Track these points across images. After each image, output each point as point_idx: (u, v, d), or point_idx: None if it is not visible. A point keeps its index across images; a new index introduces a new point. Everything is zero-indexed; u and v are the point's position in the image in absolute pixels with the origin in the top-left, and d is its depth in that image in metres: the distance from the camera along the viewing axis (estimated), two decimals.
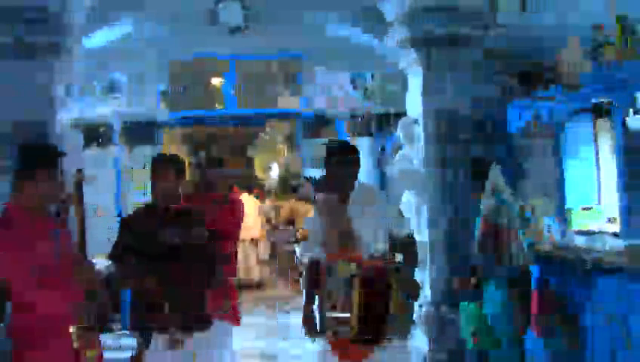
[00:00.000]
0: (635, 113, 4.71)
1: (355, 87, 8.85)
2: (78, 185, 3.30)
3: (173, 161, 4.22)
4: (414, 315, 4.86)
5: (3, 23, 6.05)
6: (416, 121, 6.70)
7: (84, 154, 7.97)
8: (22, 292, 3.03)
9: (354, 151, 4.17)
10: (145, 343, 3.88)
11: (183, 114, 9.36)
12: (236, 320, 4.96)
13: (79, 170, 3.36)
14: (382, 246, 3.90)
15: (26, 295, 3.04)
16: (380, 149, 8.69)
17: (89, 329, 3.12)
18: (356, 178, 4.14)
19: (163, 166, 4.15)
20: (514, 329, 4.66)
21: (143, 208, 4.39)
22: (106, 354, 3.45)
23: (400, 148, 7.00)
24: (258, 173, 16.64)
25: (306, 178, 7.28)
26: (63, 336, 3.05)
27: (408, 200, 6.77)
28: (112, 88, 8.53)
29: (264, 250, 11.96)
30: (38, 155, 3.24)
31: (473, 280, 4.81)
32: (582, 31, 5.42)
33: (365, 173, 8.72)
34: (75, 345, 3.06)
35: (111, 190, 8.00)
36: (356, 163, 4.12)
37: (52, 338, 3.06)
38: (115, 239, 4.10)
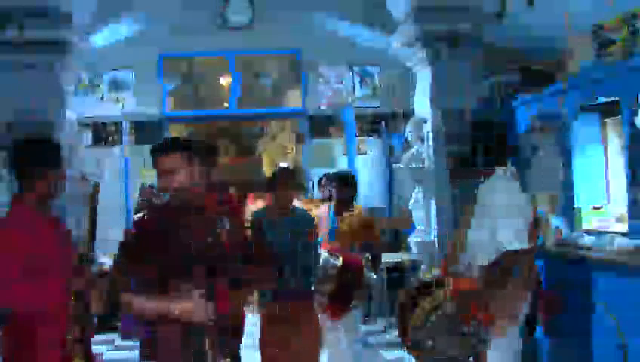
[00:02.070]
0: None
1: (362, 86, 8.82)
2: (94, 195, 3.36)
3: (177, 145, 3.14)
4: None
5: (10, 22, 6.08)
6: (425, 120, 6.69)
7: (90, 153, 8.00)
8: (19, 293, 3.03)
9: None
10: None
11: (190, 113, 9.36)
12: None
13: (97, 184, 3.46)
14: None
15: (22, 295, 3.03)
16: (388, 148, 8.66)
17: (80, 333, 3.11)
18: None
19: (163, 153, 3.10)
20: (521, 328, 4.62)
21: (153, 210, 3.63)
22: (110, 354, 3.45)
23: (409, 146, 6.99)
24: (266, 172, 16.60)
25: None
26: (55, 338, 3.05)
27: (417, 198, 6.76)
28: (118, 87, 8.54)
29: None
30: (39, 154, 3.23)
31: None
32: (588, 28, 5.39)
33: (375, 172, 8.71)
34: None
35: (119, 189, 7.99)
36: None
37: (43, 340, 3.06)
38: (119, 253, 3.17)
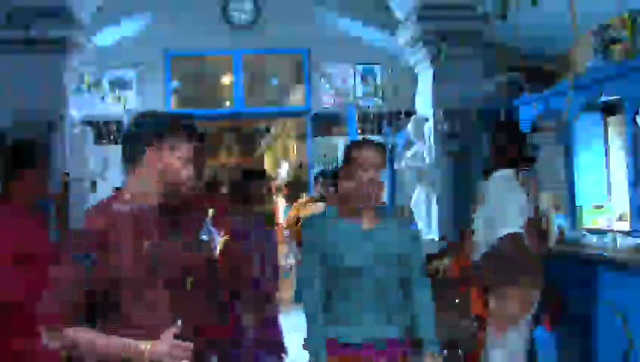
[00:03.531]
0: None
1: (365, 85, 8.82)
2: (65, 186, 3.36)
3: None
4: None
5: (14, 20, 6.09)
6: (426, 119, 6.69)
7: (93, 152, 7.99)
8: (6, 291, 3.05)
9: None
10: None
11: (194, 112, 9.36)
12: None
13: (66, 173, 3.41)
14: None
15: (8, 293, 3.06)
16: (390, 147, 8.66)
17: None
18: None
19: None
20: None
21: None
22: None
23: (411, 145, 6.99)
24: (268, 171, 16.60)
25: (322, 174, 6.63)
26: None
27: (419, 197, 6.76)
28: (122, 85, 8.55)
29: None
30: (23, 154, 3.26)
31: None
32: (593, 28, 5.38)
33: None
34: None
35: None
36: None
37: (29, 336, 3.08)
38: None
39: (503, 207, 3.72)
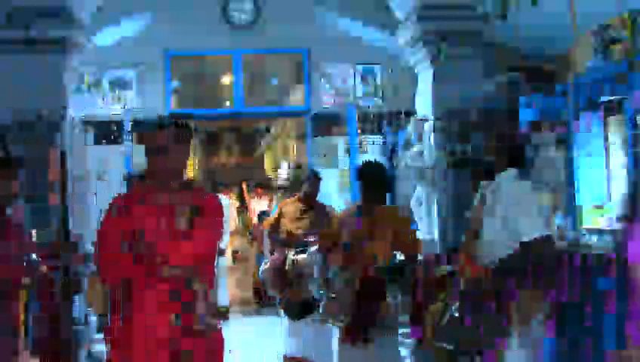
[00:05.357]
0: None
1: (365, 85, 8.82)
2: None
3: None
4: None
5: (14, 20, 6.09)
6: (426, 119, 6.70)
7: (93, 152, 7.99)
8: None
9: None
10: None
11: (194, 111, 9.36)
12: None
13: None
14: None
15: None
16: (390, 147, 8.66)
17: None
18: None
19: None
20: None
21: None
22: None
23: (411, 145, 6.99)
24: (267, 171, 16.57)
25: (313, 172, 6.32)
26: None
27: (419, 197, 6.76)
28: (121, 85, 8.55)
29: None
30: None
31: None
32: (593, 28, 5.38)
33: None
34: None
35: (121, 188, 7.99)
36: None
37: None
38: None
39: (526, 208, 3.68)
